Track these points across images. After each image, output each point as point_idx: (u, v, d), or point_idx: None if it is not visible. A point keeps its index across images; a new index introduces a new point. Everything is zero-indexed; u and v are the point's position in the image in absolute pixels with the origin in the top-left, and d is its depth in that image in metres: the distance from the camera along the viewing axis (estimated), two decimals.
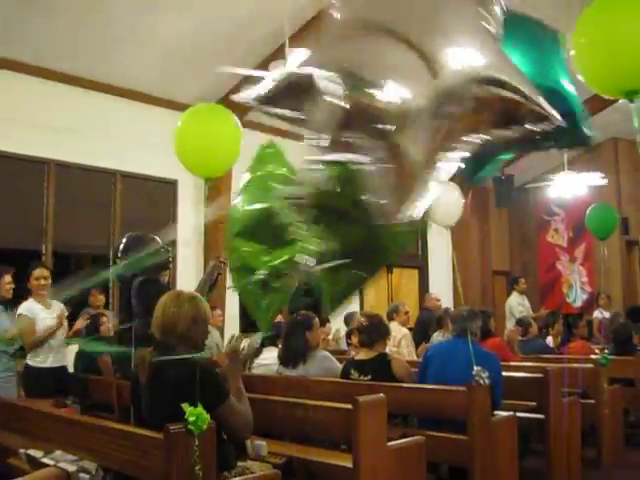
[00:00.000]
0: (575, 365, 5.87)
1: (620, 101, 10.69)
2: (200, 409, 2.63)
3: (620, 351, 6.66)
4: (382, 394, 3.39)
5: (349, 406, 3.30)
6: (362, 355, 4.57)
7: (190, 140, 4.29)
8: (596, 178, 10.07)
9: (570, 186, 9.85)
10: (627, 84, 2.77)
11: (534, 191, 12.01)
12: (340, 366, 4.81)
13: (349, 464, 3.29)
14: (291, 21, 6.31)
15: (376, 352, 4.50)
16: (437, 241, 12.04)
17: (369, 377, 4.42)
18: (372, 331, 4.54)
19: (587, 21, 3.03)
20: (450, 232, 11.97)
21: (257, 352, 5.33)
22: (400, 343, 6.89)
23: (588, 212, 7.82)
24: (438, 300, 8.60)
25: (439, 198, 5.68)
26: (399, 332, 6.95)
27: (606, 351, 6.02)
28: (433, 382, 4.39)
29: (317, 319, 5.02)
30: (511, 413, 4.32)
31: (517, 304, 9.95)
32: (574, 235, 13.50)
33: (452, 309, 6.60)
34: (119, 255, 4.67)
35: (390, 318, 7.14)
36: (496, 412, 4.19)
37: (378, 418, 3.31)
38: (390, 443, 3.43)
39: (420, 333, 7.71)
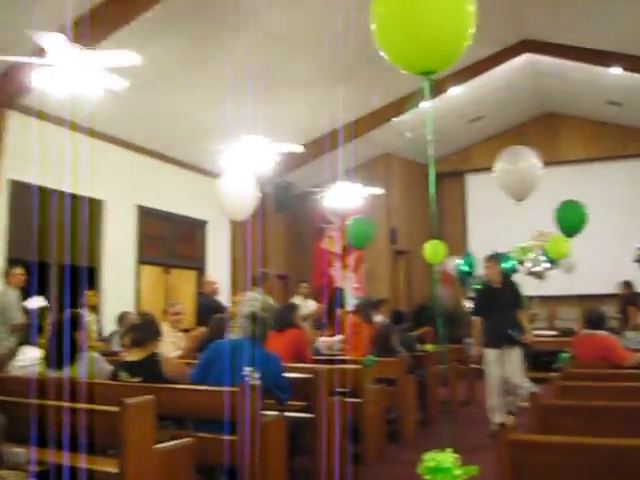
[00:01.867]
0: (344, 366, 6.16)
1: (393, 120, 11.36)
2: None
3: (383, 353, 7.10)
4: (150, 395, 3.29)
5: (116, 409, 3.17)
6: (132, 356, 4.41)
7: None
8: (371, 190, 10.69)
9: (345, 196, 10.34)
10: (425, 65, 2.80)
11: (312, 199, 12.43)
12: (111, 368, 4.61)
13: (115, 469, 3.15)
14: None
15: (147, 352, 4.37)
16: (216, 244, 12.07)
17: (140, 379, 4.28)
18: (145, 329, 4.40)
19: None
20: (230, 235, 12.10)
21: (12, 353, 4.94)
22: None
23: (349, 223, 8.25)
24: (214, 283, 8.62)
25: (233, 189, 5.61)
26: None
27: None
28: (215, 381, 4.29)
29: (86, 318, 4.78)
30: (280, 413, 4.40)
31: None
32: (347, 243, 14.17)
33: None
34: None
35: (163, 319, 7.08)
36: (266, 412, 4.24)
37: (146, 420, 3.21)
38: (157, 446, 3.34)
39: (201, 319, 7.66)
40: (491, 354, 7.04)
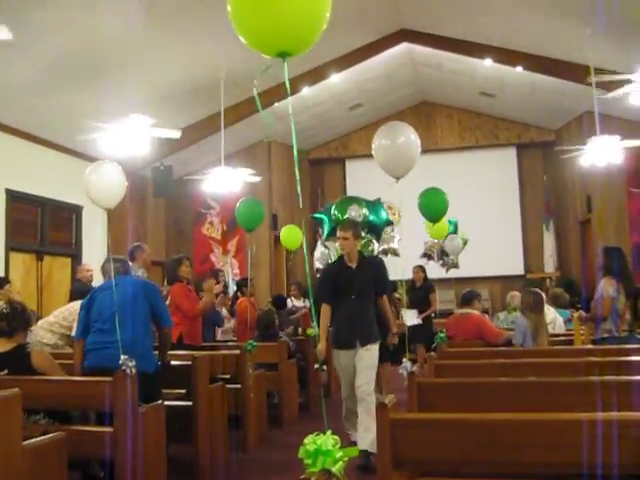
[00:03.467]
0: (223, 352, 6.11)
1: (275, 104, 11.27)
2: None
3: (264, 337, 7.08)
4: (16, 388, 3.09)
5: None
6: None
7: None
8: (250, 175, 10.60)
9: (226, 181, 10.20)
10: (280, 45, 2.76)
11: (192, 184, 12.20)
12: None
13: None
14: None
15: (15, 343, 4.12)
16: (92, 229, 11.62)
17: (5, 372, 4.02)
18: (13, 319, 4.14)
19: None
20: (106, 220, 11.68)
21: None
22: None
23: (238, 204, 8.14)
24: (89, 270, 8.31)
25: (100, 177, 5.42)
26: None
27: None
28: (97, 319, 4.50)
29: None
30: (159, 402, 4.29)
31: None
32: (227, 229, 14.06)
33: None
34: None
35: None
36: (144, 404, 4.12)
37: (11, 416, 3.01)
38: (25, 442, 3.15)
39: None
40: (340, 357, 5.37)
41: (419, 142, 5.80)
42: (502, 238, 14.71)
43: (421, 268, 9.85)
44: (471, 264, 12.35)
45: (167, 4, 8.05)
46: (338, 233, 5.49)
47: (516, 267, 14.90)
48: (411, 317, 9.23)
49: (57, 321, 5.97)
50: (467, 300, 6.52)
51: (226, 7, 2.74)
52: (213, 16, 8.37)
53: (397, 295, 9.61)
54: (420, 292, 9.65)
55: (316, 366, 7.57)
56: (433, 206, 7.66)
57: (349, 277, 5.34)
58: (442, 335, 5.89)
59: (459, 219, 11.04)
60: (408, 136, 5.82)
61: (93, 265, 8.97)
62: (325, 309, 5.39)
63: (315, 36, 2.84)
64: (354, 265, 5.44)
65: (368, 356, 5.23)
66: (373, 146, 5.76)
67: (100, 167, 5.53)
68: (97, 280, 8.75)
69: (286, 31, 2.74)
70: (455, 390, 3.55)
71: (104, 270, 4.88)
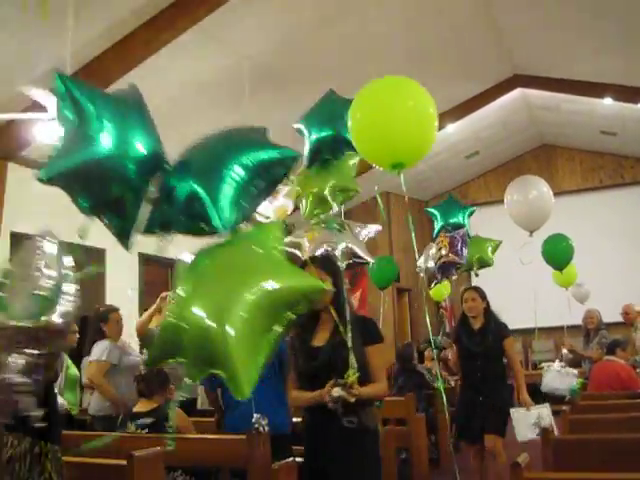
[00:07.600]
0: None
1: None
2: None
3: (404, 371, 7.01)
4: (158, 447, 3.25)
5: (123, 462, 3.13)
6: (140, 407, 4.38)
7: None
8: (371, 228, 10.69)
9: None
10: (393, 158, 3.24)
11: None
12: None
13: None
14: (73, 59, 6.04)
15: (155, 404, 4.33)
16: None
17: (147, 430, 4.24)
18: (151, 380, 4.37)
19: (362, 100, 3.40)
20: None
21: None
22: None
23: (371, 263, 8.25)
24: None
25: None
26: None
27: None
28: None
29: None
30: (291, 459, 4.34)
31: None
32: (350, 283, 14.13)
33: None
34: None
35: None
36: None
37: (155, 473, 3.17)
38: None
39: None
40: None
41: (551, 193, 5.68)
42: (632, 281, 13.96)
43: (478, 292, 5.31)
44: (600, 309, 11.81)
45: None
46: None
47: None
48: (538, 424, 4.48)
49: None
50: (608, 349, 6.25)
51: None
52: None
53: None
54: (481, 338, 5.13)
55: None
56: (558, 253, 7.46)
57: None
58: (575, 387, 5.65)
59: (585, 261, 10.65)
60: (540, 189, 5.74)
61: None
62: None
63: (427, 149, 3.32)
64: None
65: None
66: (505, 201, 5.71)
67: None
68: None
69: (400, 146, 3.20)
70: (592, 447, 3.40)
71: None
